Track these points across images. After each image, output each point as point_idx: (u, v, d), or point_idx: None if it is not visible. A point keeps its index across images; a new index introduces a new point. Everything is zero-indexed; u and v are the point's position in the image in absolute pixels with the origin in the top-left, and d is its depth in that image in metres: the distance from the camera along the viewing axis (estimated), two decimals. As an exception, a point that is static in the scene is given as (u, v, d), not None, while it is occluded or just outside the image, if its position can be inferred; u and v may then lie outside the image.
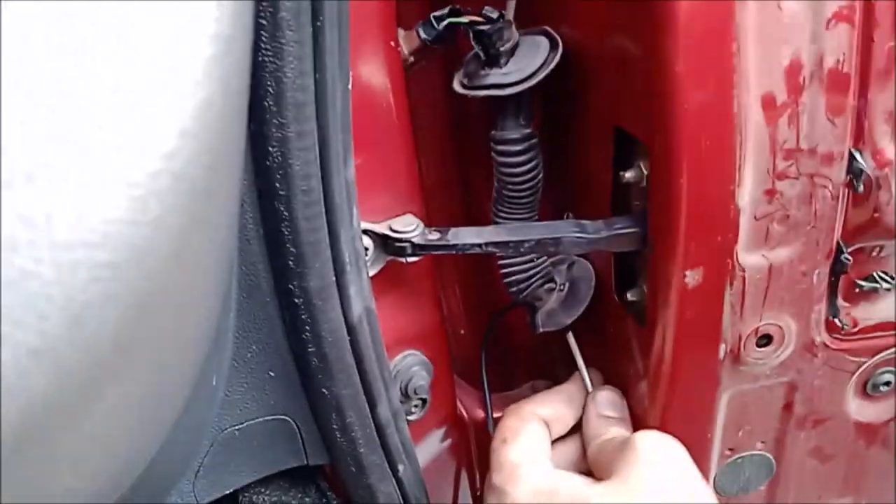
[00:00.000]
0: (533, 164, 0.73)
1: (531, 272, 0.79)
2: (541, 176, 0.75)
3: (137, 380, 0.26)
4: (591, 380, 0.83)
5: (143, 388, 0.28)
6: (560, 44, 0.69)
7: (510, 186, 0.74)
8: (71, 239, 0.21)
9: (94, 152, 0.21)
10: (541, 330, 0.82)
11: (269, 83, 0.51)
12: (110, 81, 0.22)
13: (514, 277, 0.80)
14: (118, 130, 0.22)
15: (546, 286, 0.80)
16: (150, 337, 0.26)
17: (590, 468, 0.76)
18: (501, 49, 0.67)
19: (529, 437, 0.77)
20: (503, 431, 0.78)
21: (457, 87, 0.71)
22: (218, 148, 0.27)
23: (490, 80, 0.68)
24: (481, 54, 0.68)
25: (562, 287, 0.80)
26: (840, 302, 0.71)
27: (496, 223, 0.77)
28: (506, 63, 0.68)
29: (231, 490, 0.69)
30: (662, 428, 0.74)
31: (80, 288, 0.22)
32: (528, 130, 0.72)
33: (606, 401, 0.80)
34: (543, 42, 0.68)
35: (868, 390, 0.79)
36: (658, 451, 0.67)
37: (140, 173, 0.23)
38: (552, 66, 0.67)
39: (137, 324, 0.24)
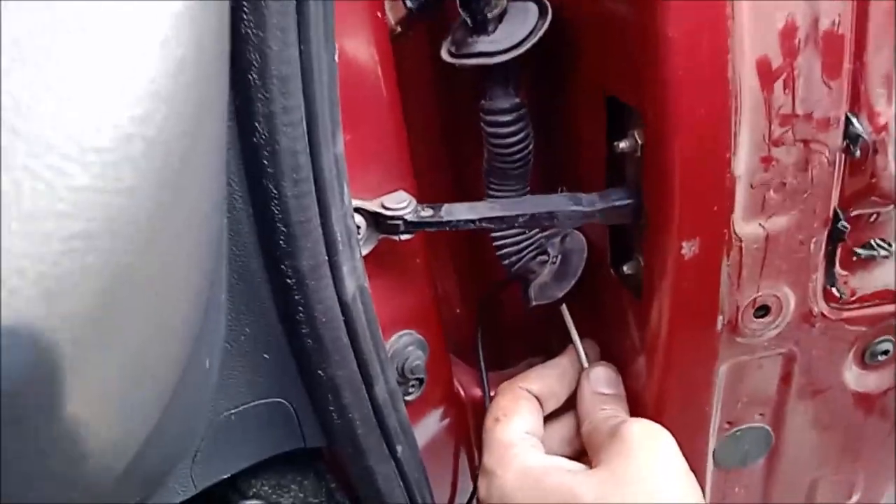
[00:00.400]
0: (523, 134, 0.72)
1: (524, 244, 0.78)
2: (531, 147, 0.74)
3: (120, 359, 0.25)
4: (586, 354, 0.82)
5: (127, 367, 0.27)
6: (549, 10, 0.67)
7: (500, 158, 0.73)
8: (40, 208, 0.20)
9: (60, 115, 0.20)
10: (533, 303, 0.81)
11: (252, 56, 0.50)
12: (74, 39, 0.21)
13: (506, 250, 0.79)
14: (85, 92, 0.21)
15: (539, 258, 0.79)
16: (131, 313, 0.25)
17: (583, 446, 0.76)
18: (489, 15, 0.66)
19: (521, 416, 0.76)
20: (495, 411, 0.78)
21: (444, 55, 0.70)
22: (195, 113, 0.25)
23: (478, 48, 0.67)
24: (468, 21, 0.67)
25: (554, 259, 0.79)
26: (837, 270, 0.71)
27: (488, 197, 0.76)
28: (494, 30, 0.67)
29: (229, 475, 0.68)
30: (660, 402, 0.74)
31: (53, 261, 0.21)
32: (517, 100, 0.71)
33: (601, 377, 0.79)
34: (532, 8, 0.67)
35: (866, 360, 0.78)
36: (647, 442, 0.67)
37: (110, 138, 0.22)
38: (541, 33, 0.66)
39: (117, 299, 0.23)
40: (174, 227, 0.27)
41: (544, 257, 0.79)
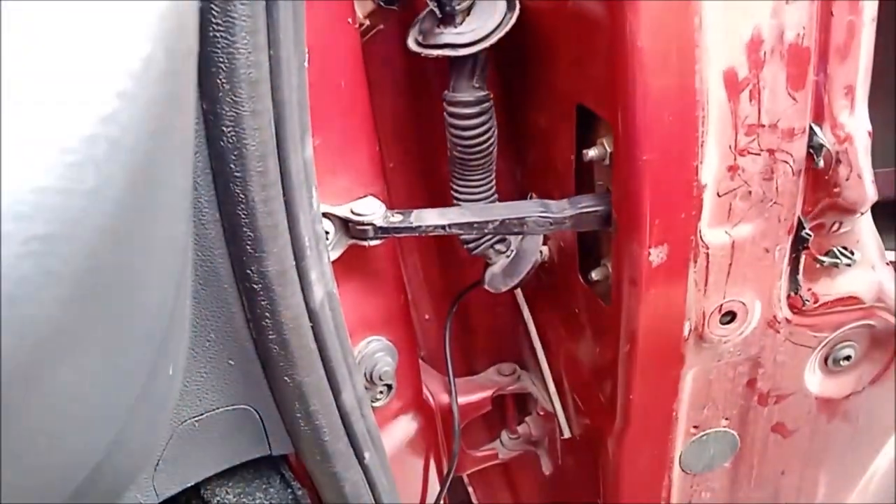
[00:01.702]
0: (485, 128, 0.72)
1: None
2: (493, 140, 0.74)
3: (82, 366, 0.25)
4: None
5: (90, 375, 0.26)
6: (517, 4, 0.67)
7: (461, 149, 0.73)
8: None
9: (20, 112, 0.19)
10: (485, 286, 0.81)
11: (221, 59, 0.49)
12: (38, 38, 0.20)
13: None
14: (46, 91, 0.20)
15: (496, 247, 0.79)
16: (93, 319, 0.24)
17: None
18: (457, 7, 0.66)
19: None
20: None
21: (411, 44, 0.69)
22: (162, 114, 0.25)
23: (444, 40, 0.67)
24: (437, 11, 0.67)
25: (510, 253, 0.79)
26: (801, 278, 0.72)
27: (452, 186, 0.76)
28: (461, 22, 0.67)
29: (192, 483, 0.67)
30: (628, 407, 0.74)
31: (12, 264, 0.20)
32: (482, 93, 0.71)
33: None
34: (501, 3, 0.67)
35: (829, 365, 0.80)
36: None
37: (74, 138, 0.21)
38: (508, 27, 0.66)
39: (78, 304, 0.22)
40: (139, 230, 0.26)
41: (501, 247, 0.80)
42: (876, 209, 0.71)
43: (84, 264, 0.22)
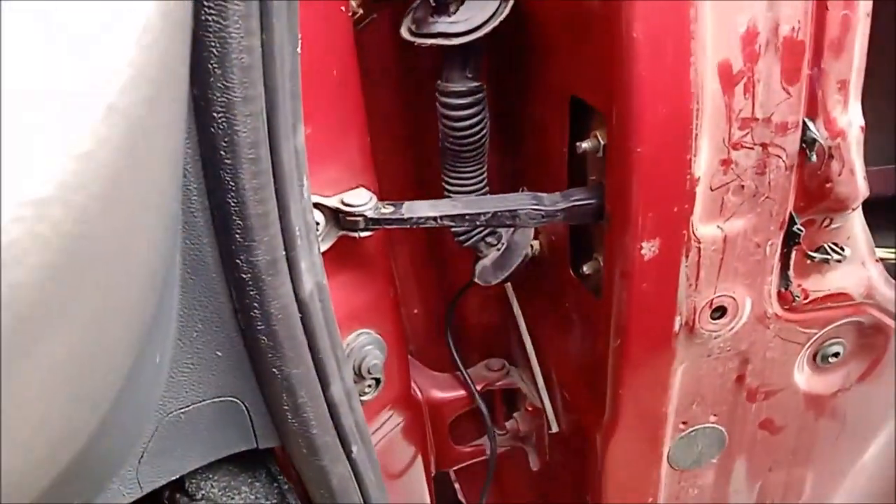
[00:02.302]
0: (477, 119, 0.72)
1: None
2: (485, 131, 0.74)
3: (70, 340, 0.24)
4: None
5: (77, 350, 0.25)
6: None
7: (453, 139, 0.73)
8: None
9: (15, 72, 0.19)
10: (475, 279, 0.81)
11: (212, 44, 0.48)
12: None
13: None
14: (44, 50, 0.19)
15: (487, 240, 0.79)
16: (82, 290, 0.23)
17: None
18: (451, -3, 0.65)
19: None
20: None
21: (404, 33, 0.69)
22: (159, 80, 0.24)
23: (437, 29, 0.66)
24: (430, 0, 0.66)
25: (500, 247, 0.79)
26: (791, 273, 0.72)
27: (444, 177, 0.76)
28: (455, 11, 0.66)
29: (177, 476, 0.66)
30: (618, 402, 0.74)
31: (2, 227, 0.19)
32: (474, 83, 0.71)
33: None
34: None
35: (818, 362, 0.80)
36: None
37: (66, 100, 0.20)
38: (502, 16, 0.66)
39: (68, 273, 0.21)
40: (130, 199, 0.25)
41: (492, 240, 0.79)
42: (870, 206, 0.71)
43: (74, 230, 0.21)
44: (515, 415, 1.04)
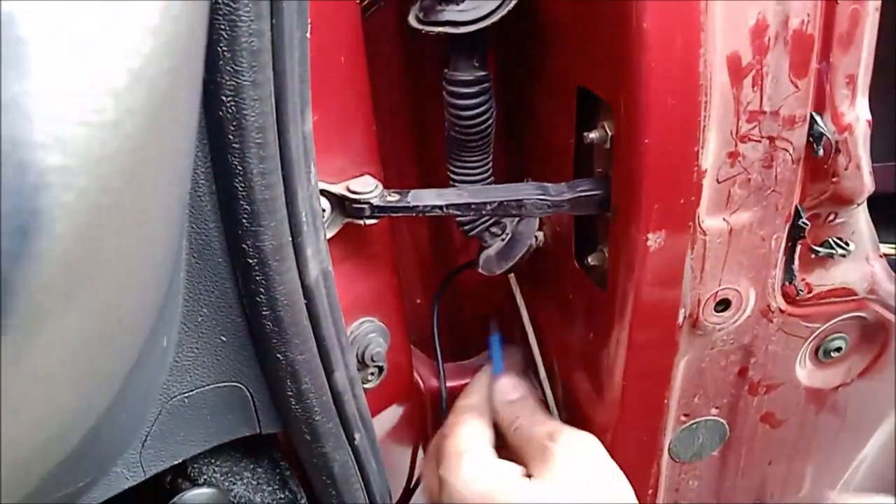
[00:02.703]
0: (483, 108, 0.72)
1: None
2: (492, 121, 0.73)
3: (88, 315, 0.24)
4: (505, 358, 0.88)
5: (94, 326, 0.25)
6: None
7: (459, 129, 0.73)
8: (15, 137, 0.19)
9: (40, 39, 0.19)
10: (479, 270, 0.81)
11: (222, 27, 0.48)
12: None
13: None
14: (69, 18, 0.19)
15: (492, 229, 0.79)
16: (103, 263, 0.23)
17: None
18: (459, -16, 0.65)
19: (466, 427, 0.80)
20: (443, 428, 0.82)
21: (412, 20, 0.69)
22: (181, 51, 0.24)
23: (445, 17, 0.66)
24: None
25: (504, 237, 0.79)
26: (796, 268, 0.72)
27: (449, 167, 0.76)
28: (463, 0, 0.66)
29: (180, 460, 0.66)
30: (621, 393, 0.74)
31: (28, 195, 0.19)
32: (481, 73, 0.71)
33: (507, 387, 0.85)
34: None
35: (820, 357, 0.80)
36: (577, 453, 0.72)
37: (93, 67, 0.20)
38: (511, 5, 0.65)
39: (91, 244, 0.21)
40: (152, 172, 0.25)
41: (497, 230, 0.79)
42: (870, 203, 0.71)
43: (99, 200, 0.21)
44: (516, 406, 1.04)
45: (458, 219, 0.78)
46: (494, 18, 0.66)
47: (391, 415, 0.87)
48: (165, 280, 0.36)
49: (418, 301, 1.01)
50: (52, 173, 0.19)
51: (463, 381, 0.99)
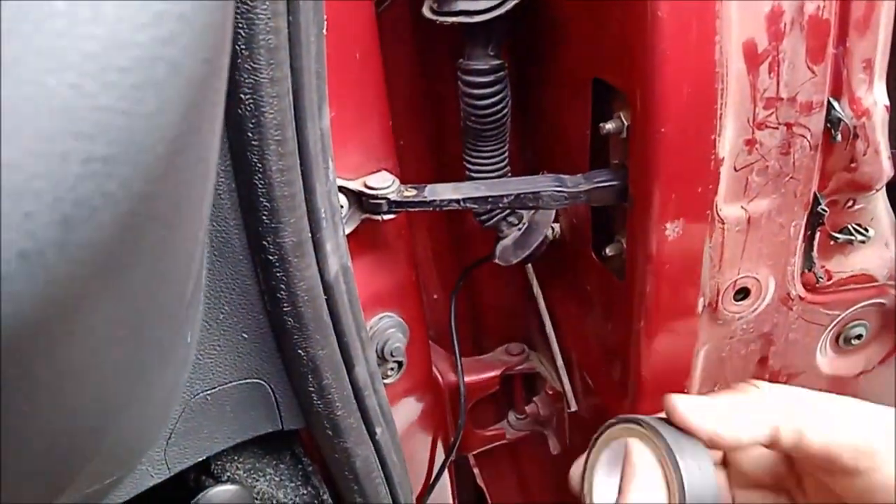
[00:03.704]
0: (499, 97, 0.72)
1: None
2: (507, 110, 0.74)
3: (125, 304, 0.24)
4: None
5: (131, 315, 0.25)
6: None
7: (474, 118, 0.73)
8: (57, 127, 0.19)
9: (77, 30, 0.19)
10: (495, 260, 0.81)
11: (240, 25, 0.48)
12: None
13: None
14: (105, 7, 0.19)
15: (508, 219, 0.79)
16: (142, 253, 0.24)
17: None
18: (472, -26, 0.65)
19: None
20: None
21: (426, 12, 0.69)
22: (215, 43, 0.24)
23: (459, 7, 0.66)
24: None
25: (521, 226, 0.79)
26: (815, 255, 0.71)
27: (465, 157, 0.76)
28: None
29: (203, 458, 0.67)
30: (641, 383, 0.74)
31: (71, 184, 0.19)
32: (496, 62, 0.71)
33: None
34: None
35: (840, 344, 0.80)
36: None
37: (133, 58, 0.20)
38: None
39: (133, 232, 0.22)
40: (190, 163, 0.25)
41: (513, 219, 0.79)
42: (892, 189, 0.70)
43: (141, 190, 0.21)
44: (535, 399, 1.05)
45: (475, 210, 0.79)
46: (508, 6, 0.66)
47: (411, 409, 0.87)
48: (194, 274, 0.36)
49: (435, 296, 1.01)
50: (95, 163, 0.20)
51: (481, 376, 1.00)
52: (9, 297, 0.19)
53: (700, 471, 0.52)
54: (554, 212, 0.80)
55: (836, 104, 0.63)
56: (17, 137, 0.18)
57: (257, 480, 0.76)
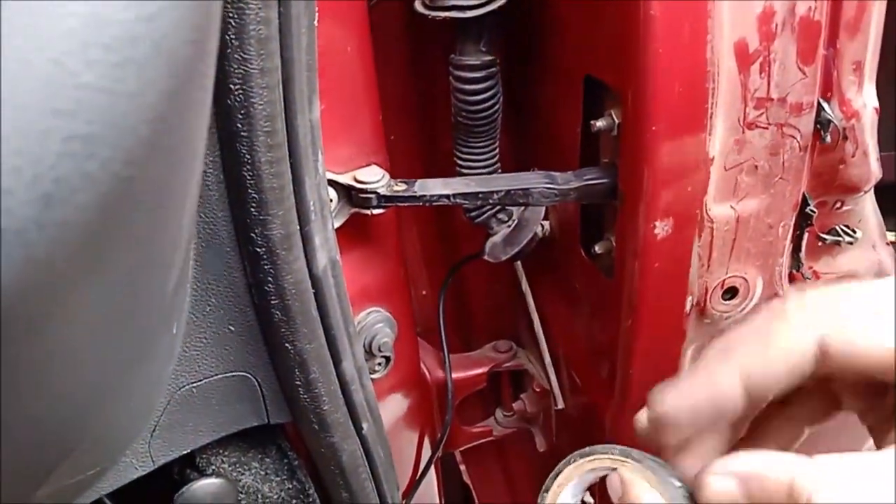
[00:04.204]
0: (490, 93, 0.72)
1: None
2: (498, 106, 0.73)
3: (108, 289, 0.24)
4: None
5: (114, 300, 0.25)
6: None
7: (465, 114, 0.73)
8: (38, 103, 0.19)
9: (63, 7, 0.19)
10: (484, 257, 0.81)
11: (230, 14, 0.48)
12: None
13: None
14: None
15: (498, 216, 0.79)
16: (124, 237, 0.23)
17: None
18: (464, -32, 0.65)
19: None
20: None
21: (418, 6, 0.69)
22: (201, 24, 0.24)
23: (451, 1, 0.66)
24: None
25: (511, 223, 0.79)
26: (803, 255, 0.72)
27: (455, 153, 0.76)
28: None
29: (188, 451, 0.66)
30: (628, 382, 0.74)
31: (51, 162, 0.19)
32: (488, 58, 0.71)
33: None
34: None
35: (826, 344, 0.80)
36: None
37: (116, 35, 0.20)
38: None
39: (113, 214, 0.21)
40: (174, 146, 0.25)
41: (503, 216, 0.79)
42: (880, 191, 0.71)
43: (122, 172, 0.21)
44: (522, 396, 1.05)
45: (465, 206, 0.78)
46: (501, 2, 0.65)
47: (398, 404, 0.87)
48: (179, 263, 0.36)
49: (424, 293, 1.01)
50: (76, 141, 0.19)
51: (468, 373, 1.00)
52: (-13, 275, 0.19)
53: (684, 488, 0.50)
54: (544, 209, 0.80)
55: (825, 105, 0.63)
56: (-3, 113, 0.18)
57: (242, 474, 0.76)
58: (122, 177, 0.21)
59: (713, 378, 0.48)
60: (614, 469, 0.52)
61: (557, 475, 0.55)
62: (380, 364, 0.78)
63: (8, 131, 0.18)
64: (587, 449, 0.54)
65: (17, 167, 0.19)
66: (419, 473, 0.96)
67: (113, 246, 0.23)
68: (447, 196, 0.67)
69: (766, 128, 0.62)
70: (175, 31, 0.22)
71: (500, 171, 0.78)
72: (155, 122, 0.22)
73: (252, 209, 0.56)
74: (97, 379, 0.29)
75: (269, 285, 0.59)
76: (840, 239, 0.71)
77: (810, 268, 0.73)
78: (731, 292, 0.70)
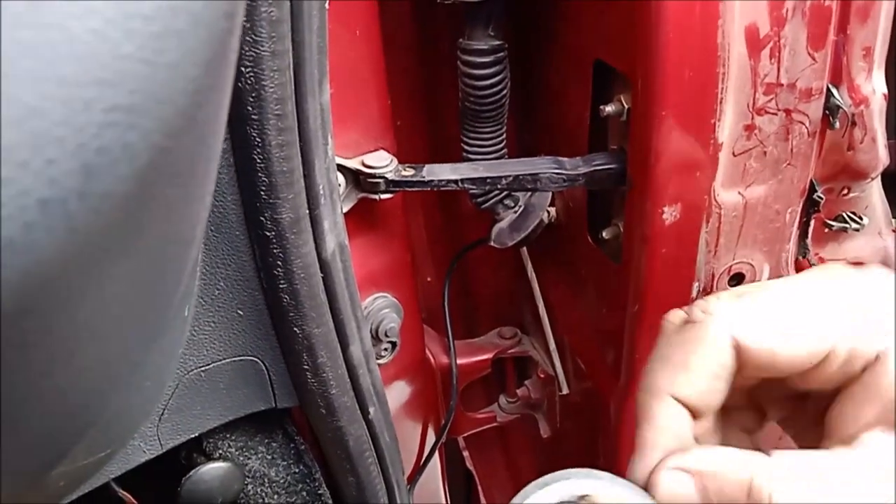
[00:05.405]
0: (498, 78, 0.72)
1: None
2: (506, 91, 0.73)
3: (138, 262, 0.24)
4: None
5: (142, 274, 0.25)
6: None
7: (473, 99, 0.72)
8: (81, 74, 0.19)
9: None
10: (490, 243, 0.81)
11: (242, -4, 0.48)
12: None
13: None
14: None
15: (504, 202, 0.79)
16: (157, 210, 0.23)
17: None
18: (474, -48, 0.65)
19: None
20: None
21: None
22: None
23: None
24: None
25: (517, 209, 0.79)
26: (809, 242, 0.72)
27: (464, 143, 0.76)
28: None
29: (196, 434, 0.67)
30: (636, 368, 0.75)
31: (94, 132, 0.19)
32: (496, 42, 0.70)
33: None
34: None
35: (831, 331, 0.80)
36: None
37: (157, 5, 0.20)
38: None
39: (150, 187, 0.21)
40: (208, 120, 0.25)
41: (509, 202, 0.79)
42: (886, 179, 0.71)
43: (161, 143, 0.21)
44: (527, 382, 1.05)
45: (471, 192, 0.78)
46: None
47: (403, 389, 0.87)
48: (200, 238, 0.36)
49: (429, 279, 1.01)
50: (118, 112, 0.19)
51: (473, 359, 1.00)
52: (30, 245, 0.19)
53: None
54: (550, 195, 0.80)
55: (835, 91, 0.63)
56: (40, 83, 0.18)
57: (249, 458, 0.76)
58: (160, 147, 0.21)
59: (656, 423, 0.48)
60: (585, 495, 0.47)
61: None
62: (386, 349, 0.79)
63: (53, 102, 0.18)
64: (544, 478, 0.48)
65: (60, 137, 0.19)
66: (423, 459, 0.96)
67: (147, 217, 0.23)
68: (455, 181, 0.67)
69: (776, 113, 0.62)
70: (212, 3, 0.22)
71: (507, 156, 0.78)
72: (192, 93, 0.22)
73: (261, 192, 0.56)
74: (120, 353, 0.29)
75: (278, 269, 0.59)
76: (847, 226, 0.71)
77: (816, 254, 0.73)
78: (737, 278, 0.70)
